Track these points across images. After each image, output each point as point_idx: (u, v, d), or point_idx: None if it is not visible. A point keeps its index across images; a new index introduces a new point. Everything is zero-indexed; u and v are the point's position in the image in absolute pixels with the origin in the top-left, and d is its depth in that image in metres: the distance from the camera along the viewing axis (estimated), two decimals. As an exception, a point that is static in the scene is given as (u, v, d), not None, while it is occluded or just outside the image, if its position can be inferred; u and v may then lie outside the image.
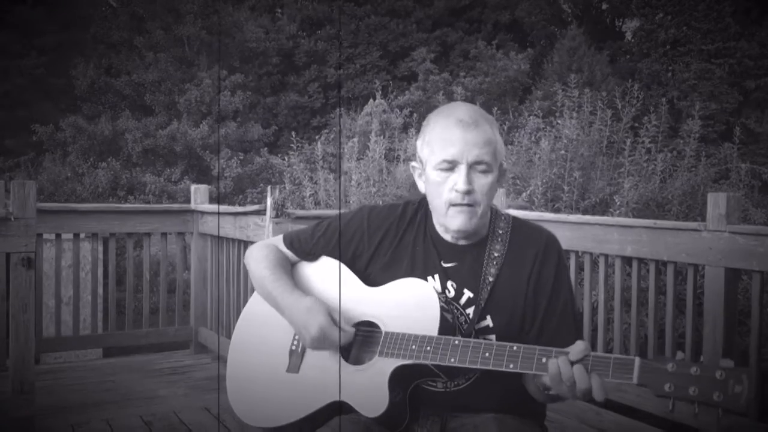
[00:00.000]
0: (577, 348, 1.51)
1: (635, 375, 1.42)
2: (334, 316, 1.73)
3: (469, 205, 1.72)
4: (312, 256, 1.93)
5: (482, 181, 1.71)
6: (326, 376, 1.72)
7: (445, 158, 1.70)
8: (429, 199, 1.80)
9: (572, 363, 1.49)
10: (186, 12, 23.31)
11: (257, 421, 1.78)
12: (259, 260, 1.93)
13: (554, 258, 1.80)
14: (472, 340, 1.62)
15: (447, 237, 1.82)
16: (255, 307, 1.95)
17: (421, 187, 1.83)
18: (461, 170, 1.69)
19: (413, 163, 1.85)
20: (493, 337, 1.74)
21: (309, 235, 1.94)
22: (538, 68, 25.40)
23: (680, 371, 1.40)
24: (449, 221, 1.74)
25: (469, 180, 1.69)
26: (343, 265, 1.86)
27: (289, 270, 1.92)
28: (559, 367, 1.50)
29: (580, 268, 3.88)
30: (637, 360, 1.43)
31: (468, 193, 1.70)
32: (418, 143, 1.80)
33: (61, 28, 24.15)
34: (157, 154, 20.08)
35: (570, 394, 1.51)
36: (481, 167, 1.71)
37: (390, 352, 1.66)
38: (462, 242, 1.81)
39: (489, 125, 1.73)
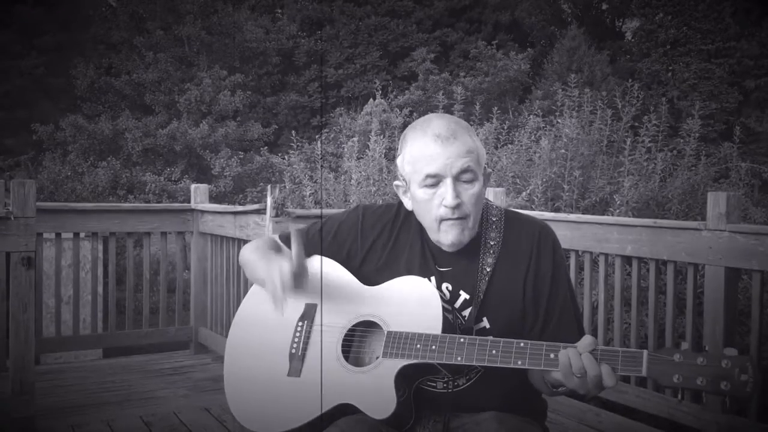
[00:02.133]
0: (585, 341, 1.52)
1: (644, 367, 1.44)
2: (305, 267, 1.74)
3: (459, 218, 1.70)
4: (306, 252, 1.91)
5: (469, 192, 1.70)
6: (329, 379, 1.70)
7: (429, 173, 1.68)
8: (419, 216, 1.78)
9: (580, 354, 1.50)
10: (186, 12, 23.30)
11: (262, 428, 1.76)
12: (251, 247, 1.95)
13: (550, 250, 1.78)
14: (477, 338, 1.61)
15: (440, 245, 1.80)
16: (250, 308, 1.91)
17: (408, 204, 1.81)
18: (447, 184, 1.67)
19: (397, 182, 1.82)
20: (490, 338, 1.72)
21: (303, 234, 1.93)
22: (538, 68, 25.40)
23: (687, 362, 1.42)
24: (442, 237, 1.73)
25: (457, 193, 1.68)
26: (340, 265, 1.84)
27: (279, 251, 1.90)
28: (569, 358, 1.50)
29: (580, 268, 3.88)
30: (645, 353, 1.46)
31: (457, 206, 1.68)
32: (399, 161, 1.78)
33: (61, 28, 24.14)
34: (157, 154, 20.09)
35: (581, 385, 1.51)
36: (466, 176, 1.69)
37: (394, 353, 1.65)
38: (452, 249, 1.79)
39: (467, 134, 1.72)
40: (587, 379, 1.49)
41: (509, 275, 1.75)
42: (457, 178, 1.68)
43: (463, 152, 1.68)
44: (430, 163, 1.68)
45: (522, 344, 1.56)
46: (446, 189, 1.68)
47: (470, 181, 1.70)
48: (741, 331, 3.95)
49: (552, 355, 1.53)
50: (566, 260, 1.91)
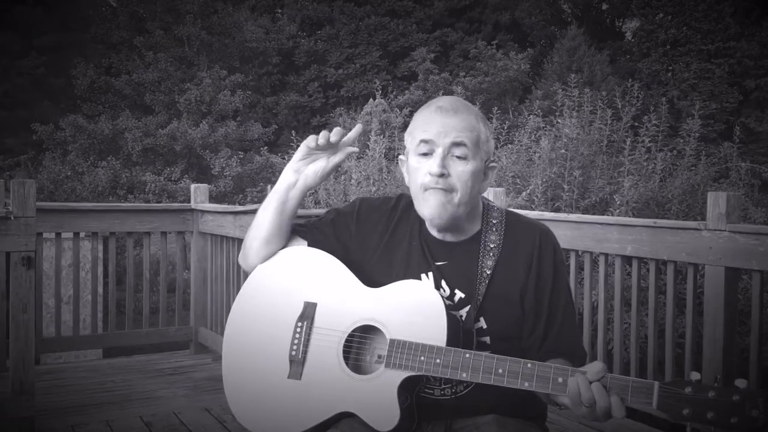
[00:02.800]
0: (595, 368, 1.49)
1: (655, 400, 1.42)
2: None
3: (443, 189, 1.67)
4: (304, 234, 1.88)
5: (459, 168, 1.67)
6: (331, 385, 1.68)
7: (423, 138, 1.68)
8: (410, 187, 1.77)
9: (590, 382, 1.48)
10: (186, 12, 23.32)
11: (262, 429, 1.75)
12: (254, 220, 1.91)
13: (551, 254, 1.77)
14: (483, 354, 1.58)
15: (434, 232, 1.78)
16: (244, 307, 1.85)
17: (406, 179, 1.81)
18: (437, 153, 1.67)
19: (401, 156, 1.83)
20: (487, 338, 1.72)
21: (305, 222, 1.92)
22: (538, 68, 25.42)
23: (697, 396, 1.40)
24: (423, 207, 1.71)
25: (444, 164, 1.66)
26: (342, 264, 1.80)
27: None
28: (578, 386, 1.47)
29: (580, 268, 3.88)
30: (656, 385, 1.43)
31: (441, 176, 1.66)
32: (405, 135, 1.80)
33: (61, 28, 24.16)
34: (156, 153, 20.09)
35: (588, 414, 1.49)
36: (459, 151, 1.67)
37: (398, 363, 1.62)
38: (449, 238, 1.77)
39: (472, 114, 1.71)
40: (596, 409, 1.46)
41: (508, 278, 1.74)
42: (449, 151, 1.67)
43: (459, 126, 1.67)
44: (426, 130, 1.69)
45: (529, 365, 1.54)
46: (434, 158, 1.67)
47: (463, 158, 1.68)
48: (741, 331, 3.95)
49: (560, 380, 1.50)
50: (566, 263, 1.89)
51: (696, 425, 1.42)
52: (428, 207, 1.69)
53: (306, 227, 1.89)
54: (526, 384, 1.53)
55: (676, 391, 1.42)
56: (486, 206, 1.81)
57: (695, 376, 1.43)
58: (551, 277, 1.75)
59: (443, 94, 10.12)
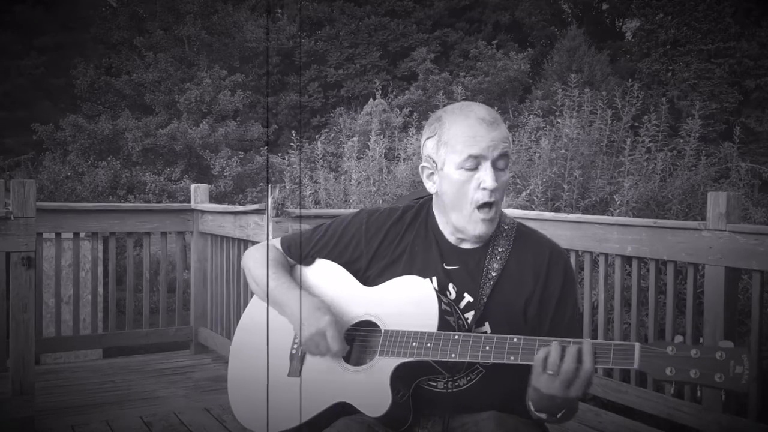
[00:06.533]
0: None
1: (636, 360, 1.42)
2: (337, 322, 1.71)
3: (494, 203, 1.70)
4: (308, 260, 1.91)
5: (502, 179, 1.71)
6: (328, 379, 1.71)
7: (472, 154, 1.67)
8: (448, 199, 1.74)
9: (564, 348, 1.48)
10: (186, 12, 23.31)
11: (260, 428, 1.77)
12: (258, 260, 1.93)
13: (560, 272, 1.77)
14: (471, 334, 1.61)
15: (452, 239, 1.79)
16: (254, 311, 1.94)
17: (431, 188, 1.79)
18: (487, 167, 1.67)
19: (424, 164, 1.80)
20: (485, 334, 1.73)
21: (306, 239, 1.92)
22: (538, 68, 25.41)
23: (680, 354, 1.39)
24: (472, 227, 1.72)
25: (495, 177, 1.68)
26: (339, 266, 1.85)
27: (288, 270, 1.91)
28: (549, 351, 1.48)
29: (580, 268, 3.88)
30: (637, 345, 1.43)
31: (494, 190, 1.68)
32: (430, 143, 1.75)
33: (61, 28, 24.17)
34: (157, 153, 20.09)
35: (547, 384, 1.48)
36: (502, 163, 1.70)
37: (390, 351, 1.65)
38: (466, 245, 1.78)
39: (503, 123, 1.74)
40: (558, 375, 1.46)
41: (514, 285, 1.74)
42: (494, 164, 1.69)
43: (503, 138, 1.70)
44: (473, 144, 1.67)
45: (515, 339, 1.55)
46: (486, 172, 1.67)
47: (503, 169, 1.71)
48: (741, 331, 3.95)
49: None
50: (573, 273, 1.88)
51: (679, 383, 1.40)
52: (478, 229, 1.72)
53: (309, 258, 1.91)
54: (512, 357, 1.53)
55: (658, 350, 1.41)
56: (500, 216, 1.83)
57: (678, 338, 1.42)
58: (558, 292, 1.75)
59: (443, 94, 10.12)
